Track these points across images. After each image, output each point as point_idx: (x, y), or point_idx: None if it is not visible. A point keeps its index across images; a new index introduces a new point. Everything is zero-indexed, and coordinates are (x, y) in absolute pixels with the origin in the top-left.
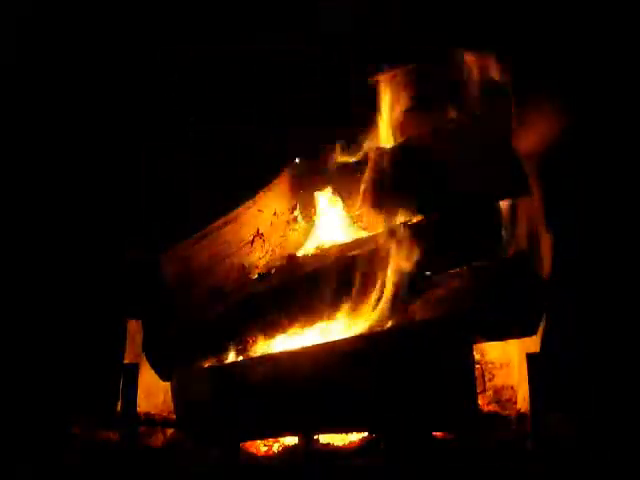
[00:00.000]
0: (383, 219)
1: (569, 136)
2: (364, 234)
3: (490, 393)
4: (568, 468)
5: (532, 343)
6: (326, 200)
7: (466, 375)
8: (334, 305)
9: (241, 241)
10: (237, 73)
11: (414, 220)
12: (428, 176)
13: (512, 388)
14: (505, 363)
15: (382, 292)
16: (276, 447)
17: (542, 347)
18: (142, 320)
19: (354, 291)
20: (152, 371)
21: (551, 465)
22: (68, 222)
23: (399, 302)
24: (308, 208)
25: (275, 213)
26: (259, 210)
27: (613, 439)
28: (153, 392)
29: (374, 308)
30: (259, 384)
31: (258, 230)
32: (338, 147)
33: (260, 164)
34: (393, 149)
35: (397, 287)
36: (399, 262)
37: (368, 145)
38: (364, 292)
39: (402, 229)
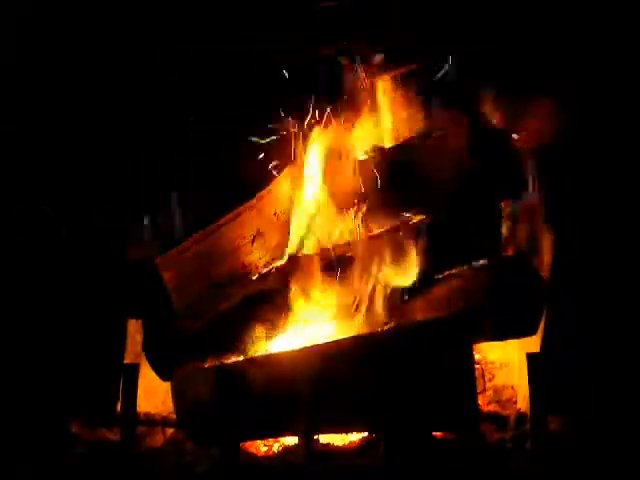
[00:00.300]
0: (383, 219)
1: (569, 136)
2: (364, 234)
3: (490, 393)
4: (568, 468)
5: (532, 343)
6: (326, 199)
7: (466, 375)
8: (335, 305)
9: (241, 241)
10: (237, 73)
11: (414, 220)
12: (428, 176)
13: (512, 388)
14: (505, 363)
15: (382, 292)
16: (276, 447)
17: (542, 347)
18: (142, 320)
19: (354, 291)
20: (152, 371)
21: (551, 465)
22: (68, 222)
23: (399, 302)
24: (308, 208)
25: (275, 213)
26: (259, 210)
27: (613, 439)
28: (153, 392)
29: (374, 308)
30: (259, 384)
31: (258, 230)
32: (338, 147)
33: (260, 164)
34: (393, 149)
35: (397, 287)
36: (399, 262)
37: (368, 145)
38: (364, 292)
39: (402, 229)
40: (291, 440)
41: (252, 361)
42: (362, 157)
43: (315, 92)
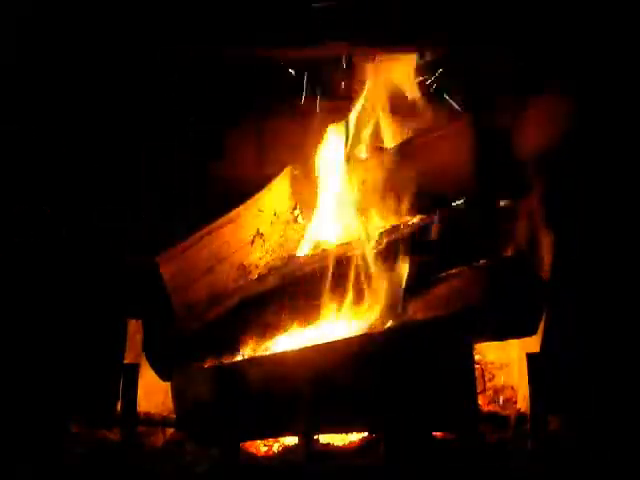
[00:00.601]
0: (383, 219)
1: (570, 136)
2: (364, 234)
3: (490, 393)
4: (568, 468)
5: (532, 343)
6: (326, 200)
7: (466, 375)
8: (334, 305)
9: (241, 241)
10: (237, 73)
11: (414, 220)
12: (428, 176)
13: (512, 388)
14: (505, 363)
15: (382, 292)
16: (276, 447)
17: (542, 347)
18: (142, 320)
19: (354, 291)
20: (152, 371)
21: (551, 465)
22: (68, 222)
23: (399, 302)
24: (308, 208)
25: (275, 213)
26: (259, 210)
27: (613, 439)
28: (153, 392)
29: (374, 308)
30: (259, 384)
31: (258, 230)
32: (338, 147)
33: (260, 164)
34: (393, 149)
35: (397, 287)
36: (399, 262)
37: (368, 145)
38: (364, 292)
39: (402, 229)
40: (291, 440)
41: (252, 361)
42: (362, 157)
43: (315, 92)
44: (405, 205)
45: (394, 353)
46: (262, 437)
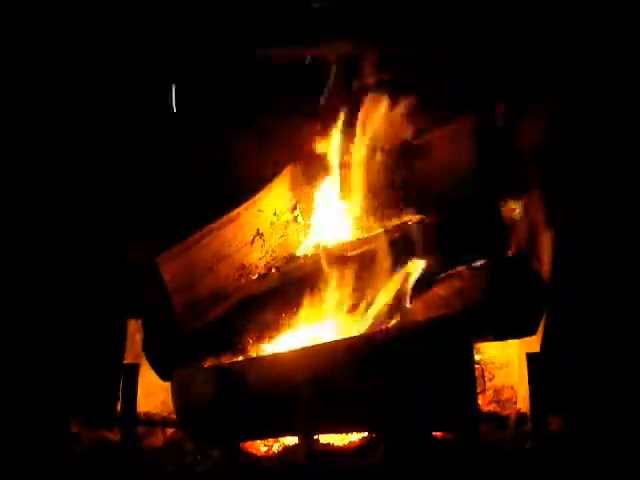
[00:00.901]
0: (383, 219)
1: (570, 136)
2: (364, 234)
3: (490, 393)
4: (568, 468)
5: (532, 343)
6: (326, 200)
7: (466, 375)
8: (334, 305)
9: (241, 241)
10: (237, 73)
11: (414, 220)
12: (428, 176)
13: (512, 388)
14: (505, 363)
15: (382, 292)
16: (276, 447)
17: (542, 347)
18: (142, 320)
19: (354, 291)
20: (152, 371)
21: (551, 465)
22: (68, 222)
23: (399, 302)
24: (308, 208)
25: (275, 213)
26: (259, 210)
27: (613, 439)
28: (153, 392)
29: (374, 308)
30: (259, 384)
31: (258, 230)
32: (338, 147)
33: (260, 164)
34: (393, 149)
35: (397, 287)
36: (399, 262)
37: (368, 145)
38: (364, 292)
39: (403, 229)
40: (291, 440)
41: (252, 361)
42: (362, 157)
43: (316, 92)
44: (405, 205)
45: (394, 353)
46: (262, 437)
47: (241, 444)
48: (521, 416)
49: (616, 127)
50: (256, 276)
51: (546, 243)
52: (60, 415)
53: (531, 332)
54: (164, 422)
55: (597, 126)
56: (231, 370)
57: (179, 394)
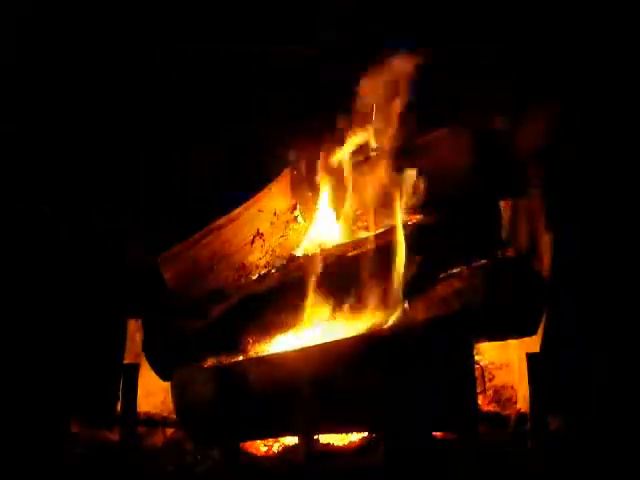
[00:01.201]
0: (383, 219)
1: (570, 136)
2: (364, 234)
3: (490, 393)
4: (568, 468)
5: (532, 343)
6: (326, 200)
7: (466, 375)
8: (334, 305)
9: (241, 241)
10: (237, 73)
11: (414, 220)
12: (428, 176)
13: (512, 388)
14: (505, 363)
15: (382, 292)
16: (276, 447)
17: (542, 347)
18: (142, 320)
19: (354, 291)
20: (152, 371)
21: (551, 465)
22: (68, 222)
23: (399, 302)
24: (308, 208)
25: (275, 213)
26: (259, 210)
27: (613, 439)
28: (153, 392)
29: (374, 308)
30: (259, 384)
31: (258, 230)
32: (338, 147)
33: (260, 164)
34: (394, 149)
35: (397, 287)
36: (399, 262)
37: (368, 145)
38: (364, 292)
39: (403, 229)
40: (291, 440)
41: (252, 361)
42: (361, 158)
43: (317, 92)
44: (405, 205)
45: (394, 353)
46: (262, 437)
47: (241, 444)
48: (521, 416)
49: (616, 127)
50: (256, 276)
51: (546, 243)
52: (60, 415)
53: (531, 332)
54: (164, 422)
55: (597, 126)
56: (231, 370)
57: (179, 394)
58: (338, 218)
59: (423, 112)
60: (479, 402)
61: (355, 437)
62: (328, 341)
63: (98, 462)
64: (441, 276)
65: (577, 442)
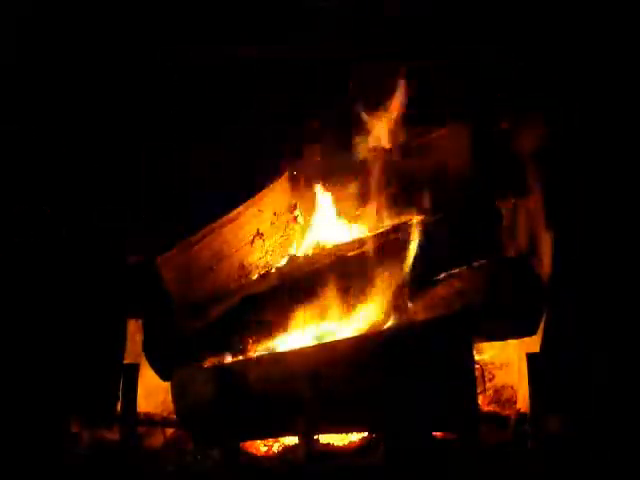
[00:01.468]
0: (383, 219)
1: (569, 136)
2: (364, 234)
3: (490, 393)
4: (568, 468)
5: (532, 343)
6: (326, 200)
7: (466, 375)
8: (334, 305)
9: (241, 241)
10: (237, 73)
11: (414, 220)
12: (427, 176)
13: (512, 388)
14: (505, 363)
15: (382, 292)
16: (276, 447)
17: (542, 347)
18: (142, 320)
19: (354, 291)
20: (152, 371)
21: (551, 465)
22: (68, 222)
23: (399, 302)
24: (308, 208)
25: (275, 213)
26: (259, 210)
27: (613, 439)
28: (153, 392)
29: (374, 308)
30: (259, 384)
31: (258, 230)
32: (338, 147)
33: (260, 164)
34: (393, 149)
35: (397, 287)
36: (399, 262)
37: (368, 145)
38: (364, 292)
39: (402, 229)
40: (291, 440)
41: (252, 361)
42: (361, 157)
43: (318, 93)
44: (405, 205)
45: (394, 353)
46: (262, 437)
47: (241, 444)
48: (521, 416)
49: (616, 127)
50: (256, 276)
51: (546, 243)
52: (60, 415)
53: (531, 332)
54: (164, 422)
55: (597, 127)
56: (231, 370)
57: (179, 394)
58: (338, 218)
59: (423, 112)
60: (479, 402)
61: (355, 437)
62: (328, 341)
63: (98, 462)
64: (441, 276)
65: (577, 442)
